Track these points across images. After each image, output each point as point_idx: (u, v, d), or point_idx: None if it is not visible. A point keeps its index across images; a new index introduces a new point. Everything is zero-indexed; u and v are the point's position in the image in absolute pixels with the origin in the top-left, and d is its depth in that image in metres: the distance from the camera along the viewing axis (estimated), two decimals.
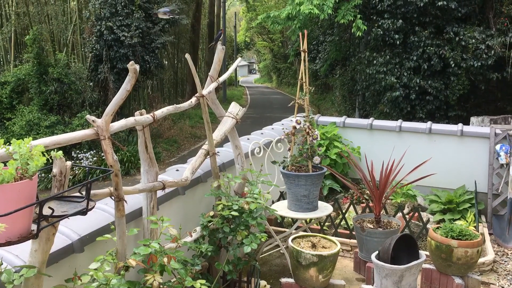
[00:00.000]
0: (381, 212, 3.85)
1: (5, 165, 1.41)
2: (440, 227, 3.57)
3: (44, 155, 1.52)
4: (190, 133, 17.68)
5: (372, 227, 3.74)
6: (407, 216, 4.37)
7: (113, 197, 2.21)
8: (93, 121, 2.06)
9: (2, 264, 1.71)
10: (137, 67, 2.06)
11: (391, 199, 4.93)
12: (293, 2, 10.82)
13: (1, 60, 16.80)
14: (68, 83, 13.34)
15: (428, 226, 4.28)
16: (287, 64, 35.11)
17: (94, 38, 13.67)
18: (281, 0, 28.87)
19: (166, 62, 22.51)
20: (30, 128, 12.67)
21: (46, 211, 1.53)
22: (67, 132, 9.71)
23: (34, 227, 1.51)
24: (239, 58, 4.64)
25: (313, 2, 10.21)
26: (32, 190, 1.44)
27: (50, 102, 13.30)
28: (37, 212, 1.51)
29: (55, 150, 1.75)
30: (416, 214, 4.33)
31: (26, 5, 15.82)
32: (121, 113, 14.88)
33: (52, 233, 1.79)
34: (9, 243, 1.42)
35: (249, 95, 34.24)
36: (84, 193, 1.72)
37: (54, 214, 1.58)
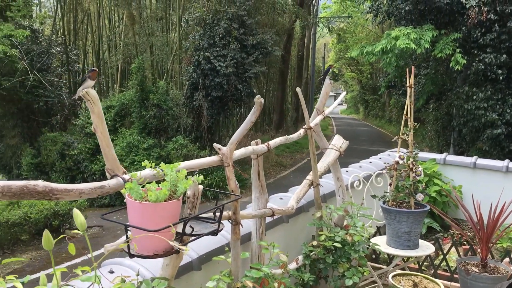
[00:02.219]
0: (488, 256, 3.66)
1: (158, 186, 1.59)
2: None
3: (186, 178, 1.69)
4: (276, 161, 17.89)
5: (477, 271, 3.57)
6: None
7: (230, 221, 2.35)
8: (219, 149, 2.23)
9: (138, 275, 1.89)
10: (262, 100, 2.21)
11: (496, 243, 4.66)
12: (389, 36, 10.76)
13: (109, 86, 18.27)
14: (166, 108, 14.20)
15: None
16: (375, 96, 34.55)
17: (192, 67, 14.50)
18: (372, 32, 28.71)
19: (256, 91, 23.18)
20: (130, 150, 13.59)
21: (187, 229, 1.68)
22: (162, 155, 10.26)
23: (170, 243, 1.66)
24: (344, 92, 4.72)
25: (410, 37, 10.09)
26: (178, 209, 1.61)
27: (149, 126, 14.21)
28: (178, 230, 1.67)
29: (194, 174, 1.93)
30: None
31: (133, 36, 17.17)
32: (211, 138, 15.52)
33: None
34: (156, 256, 1.58)
35: (335, 126, 34.07)
36: (215, 214, 1.86)
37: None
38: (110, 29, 19.58)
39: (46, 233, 1.07)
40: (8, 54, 12.53)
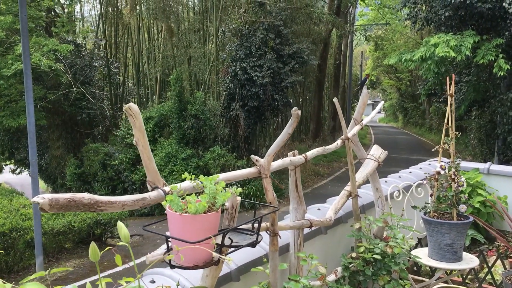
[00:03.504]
0: None
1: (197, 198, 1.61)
2: None
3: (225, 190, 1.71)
4: (314, 170, 17.78)
5: None
6: None
7: (268, 232, 2.36)
8: (256, 160, 2.25)
9: (179, 285, 1.92)
10: (299, 112, 2.22)
11: None
12: (428, 44, 10.56)
13: (148, 97, 18.69)
14: (203, 119, 14.38)
15: None
16: (415, 103, 33.90)
17: (229, 77, 14.65)
18: (411, 39, 28.24)
19: (292, 100, 23.17)
20: (169, 160, 13.82)
21: (226, 241, 1.70)
22: (200, 165, 10.41)
23: (214, 254, 1.68)
24: (382, 102, 4.67)
25: (450, 44, 9.87)
26: (217, 221, 1.63)
27: (187, 137, 14.41)
28: (217, 242, 1.69)
29: (233, 185, 1.95)
30: None
31: (172, 48, 17.54)
32: (248, 148, 15.60)
33: (222, 261, 1.97)
34: (196, 267, 1.61)
35: (373, 134, 33.58)
36: (254, 226, 1.88)
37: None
38: (149, 42, 20.07)
39: (93, 245, 1.12)
40: (53, 68, 13.04)
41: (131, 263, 1.93)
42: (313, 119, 24.67)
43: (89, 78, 16.25)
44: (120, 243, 1.19)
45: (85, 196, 1.41)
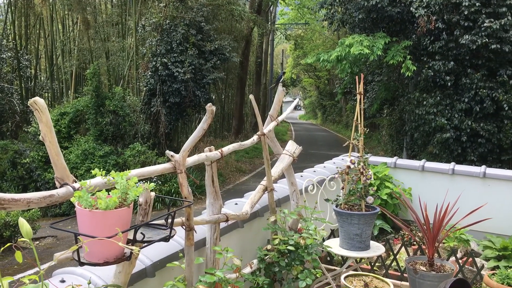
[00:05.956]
0: (434, 256, 3.83)
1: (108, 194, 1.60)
2: (496, 274, 3.53)
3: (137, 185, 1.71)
4: (236, 167, 17.93)
5: (425, 270, 3.73)
6: (460, 261, 4.31)
7: (184, 227, 2.38)
8: (171, 156, 2.26)
9: (90, 283, 1.89)
10: (214, 108, 2.26)
11: (444, 243, 4.88)
12: (343, 45, 11.05)
13: (63, 91, 17.80)
14: (123, 115, 13.97)
15: (482, 272, 4.21)
16: (332, 101, 35.26)
17: (149, 73, 14.36)
18: (329, 38, 29.31)
19: (214, 97, 23.16)
20: (85, 157, 13.26)
21: (138, 236, 1.70)
22: (119, 162, 10.12)
23: (126, 250, 1.68)
24: (297, 99, 4.83)
25: (363, 44, 10.40)
26: (128, 216, 1.62)
27: (105, 133, 13.92)
28: (129, 237, 1.69)
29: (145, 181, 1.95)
30: (470, 259, 4.27)
31: (88, 41, 16.84)
32: (170, 145, 15.39)
33: (135, 257, 1.96)
34: (107, 263, 1.59)
35: (293, 131, 34.48)
36: (166, 221, 1.89)
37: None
38: (63, 34, 19.10)
39: None
40: None
41: (44, 266, 1.88)
42: (235, 116, 24.84)
43: None
44: (22, 239, 1.16)
45: None
